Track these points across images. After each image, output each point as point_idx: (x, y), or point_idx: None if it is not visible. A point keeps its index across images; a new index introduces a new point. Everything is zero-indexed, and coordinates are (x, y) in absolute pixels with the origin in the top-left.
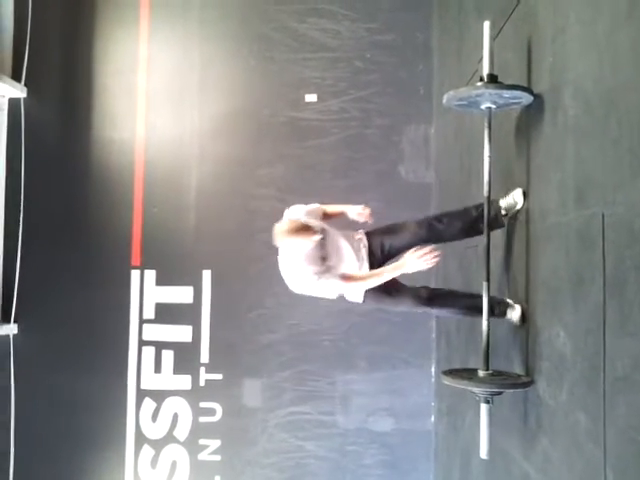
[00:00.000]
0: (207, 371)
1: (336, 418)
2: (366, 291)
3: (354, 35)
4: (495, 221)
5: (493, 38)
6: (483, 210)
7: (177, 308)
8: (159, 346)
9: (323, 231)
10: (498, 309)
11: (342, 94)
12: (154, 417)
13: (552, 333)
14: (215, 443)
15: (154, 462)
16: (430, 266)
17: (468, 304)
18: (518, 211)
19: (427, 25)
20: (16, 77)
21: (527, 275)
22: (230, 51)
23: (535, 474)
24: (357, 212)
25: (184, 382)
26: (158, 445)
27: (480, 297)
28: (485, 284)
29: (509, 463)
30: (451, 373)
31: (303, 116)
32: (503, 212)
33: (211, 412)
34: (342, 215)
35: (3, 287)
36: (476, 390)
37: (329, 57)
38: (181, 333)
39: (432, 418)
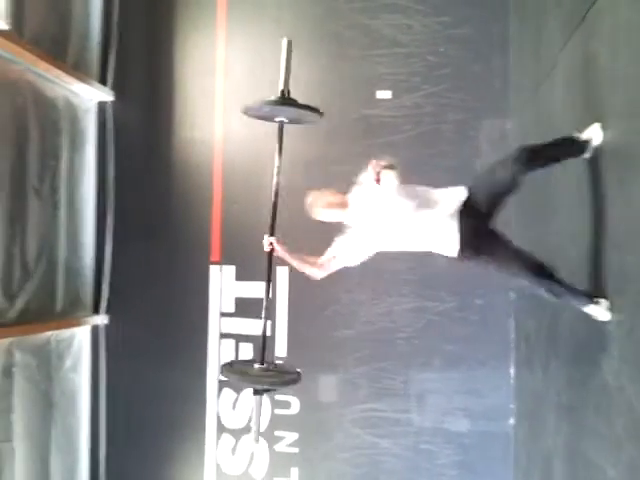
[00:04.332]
0: None
1: (411, 416)
2: (465, 244)
3: (427, 29)
4: (577, 150)
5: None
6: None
7: (255, 303)
8: (238, 339)
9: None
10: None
11: (415, 90)
12: (233, 407)
13: None
14: (292, 436)
15: (233, 450)
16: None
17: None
18: (595, 148)
19: (503, 17)
20: (103, 81)
21: (619, 266)
22: (303, 50)
23: None
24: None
25: None
26: (237, 434)
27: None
28: None
29: (594, 471)
30: (230, 365)
31: (375, 113)
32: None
33: (288, 405)
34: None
35: (95, 281)
36: (248, 385)
37: (402, 53)
38: (259, 327)
39: (511, 421)
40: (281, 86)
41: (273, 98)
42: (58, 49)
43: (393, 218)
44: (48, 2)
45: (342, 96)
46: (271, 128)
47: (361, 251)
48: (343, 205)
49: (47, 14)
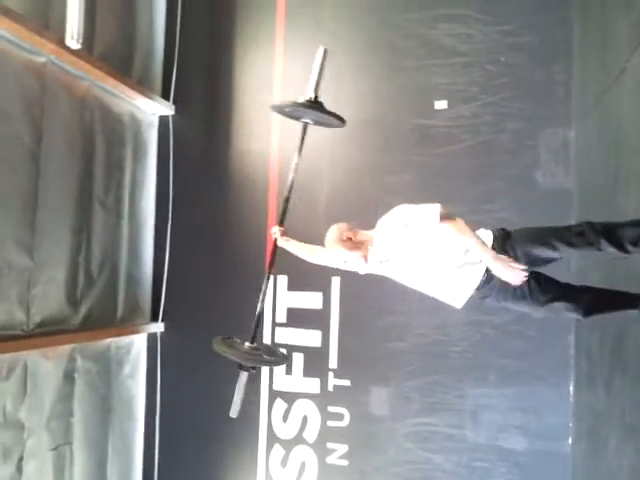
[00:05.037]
0: (335, 376)
1: (464, 432)
2: (488, 284)
3: (487, 38)
4: None
5: None
6: None
7: (307, 313)
8: (290, 349)
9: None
10: None
11: (473, 99)
12: (285, 418)
13: None
14: (343, 448)
15: (284, 461)
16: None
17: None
18: None
19: (566, 24)
20: (165, 96)
21: None
22: (359, 62)
23: None
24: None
25: (313, 385)
26: (288, 445)
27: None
28: None
29: None
30: (222, 340)
31: (432, 123)
32: None
33: (339, 417)
34: None
35: (153, 288)
36: (235, 359)
37: (460, 62)
38: (311, 338)
39: (569, 440)
40: (311, 89)
41: (301, 100)
42: (124, 66)
43: (430, 264)
44: (116, 22)
45: (398, 106)
46: (326, 141)
47: (374, 271)
48: (366, 244)
49: (115, 33)
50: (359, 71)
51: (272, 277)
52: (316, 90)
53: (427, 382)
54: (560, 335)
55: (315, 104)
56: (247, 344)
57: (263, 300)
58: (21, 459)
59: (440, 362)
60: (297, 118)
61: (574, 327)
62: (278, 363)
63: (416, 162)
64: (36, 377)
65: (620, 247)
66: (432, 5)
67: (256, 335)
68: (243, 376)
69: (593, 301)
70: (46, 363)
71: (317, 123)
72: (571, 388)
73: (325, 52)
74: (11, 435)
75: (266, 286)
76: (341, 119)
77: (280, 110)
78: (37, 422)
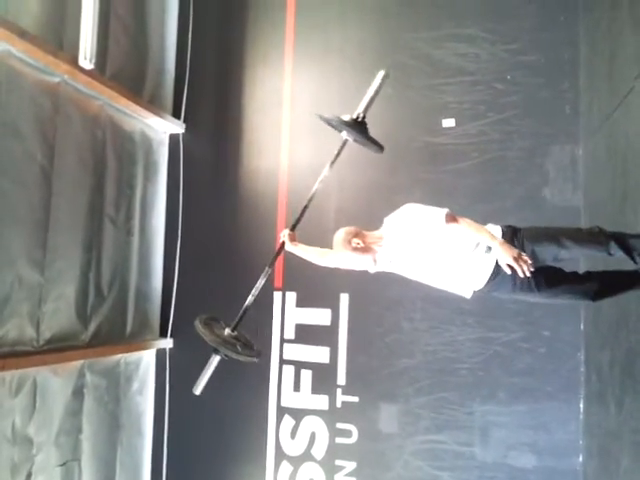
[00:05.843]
0: (343, 393)
1: (474, 450)
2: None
3: (494, 57)
4: None
5: None
6: None
7: (315, 329)
8: (298, 365)
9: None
10: None
11: (481, 117)
12: (293, 434)
13: None
14: (351, 465)
15: (292, 478)
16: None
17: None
18: None
19: (573, 42)
20: (176, 114)
21: None
22: (368, 82)
23: None
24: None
25: (321, 402)
26: (296, 462)
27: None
28: None
29: None
30: (206, 319)
31: (440, 141)
32: None
33: (347, 434)
34: None
35: (162, 305)
36: (212, 344)
37: (467, 81)
38: (319, 354)
39: (580, 458)
40: (360, 109)
41: (347, 118)
42: (136, 85)
43: (442, 252)
44: (128, 42)
45: (405, 124)
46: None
47: (384, 269)
48: (375, 245)
49: (127, 53)
50: (366, 89)
51: (281, 293)
52: (365, 111)
53: (436, 399)
54: (570, 352)
55: (359, 125)
56: (227, 330)
57: (255, 294)
58: (29, 475)
59: (449, 379)
60: (339, 131)
61: (584, 344)
62: (249, 357)
63: (424, 179)
64: (45, 393)
65: (629, 254)
66: (439, 25)
67: (238, 324)
68: (215, 359)
69: (600, 286)
70: (55, 379)
71: (356, 142)
72: (581, 405)
73: (385, 76)
74: (20, 451)
75: (262, 281)
76: (380, 146)
77: (325, 120)
78: (46, 438)
